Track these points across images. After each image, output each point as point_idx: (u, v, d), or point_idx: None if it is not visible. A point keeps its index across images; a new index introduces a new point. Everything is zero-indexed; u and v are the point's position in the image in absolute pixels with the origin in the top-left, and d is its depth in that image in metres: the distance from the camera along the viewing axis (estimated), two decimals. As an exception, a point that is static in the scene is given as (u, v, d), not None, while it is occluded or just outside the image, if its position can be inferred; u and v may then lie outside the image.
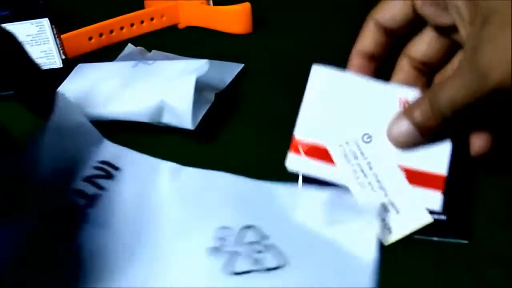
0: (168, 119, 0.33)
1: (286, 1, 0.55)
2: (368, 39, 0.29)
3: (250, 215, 0.27)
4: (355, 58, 0.30)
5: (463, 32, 0.25)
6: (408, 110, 0.26)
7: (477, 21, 0.23)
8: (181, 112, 0.32)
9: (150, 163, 0.31)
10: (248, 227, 0.27)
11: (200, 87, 0.33)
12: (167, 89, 0.33)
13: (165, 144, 0.34)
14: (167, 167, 0.31)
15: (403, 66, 0.30)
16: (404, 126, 0.26)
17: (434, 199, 0.26)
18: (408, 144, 0.26)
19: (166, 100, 0.33)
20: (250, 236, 0.26)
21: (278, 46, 0.45)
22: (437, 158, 0.26)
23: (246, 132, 0.36)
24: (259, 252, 0.25)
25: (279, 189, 0.29)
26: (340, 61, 0.42)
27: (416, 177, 0.26)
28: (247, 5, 0.47)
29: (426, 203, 0.26)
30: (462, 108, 0.23)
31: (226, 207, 0.28)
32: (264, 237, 0.26)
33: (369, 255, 0.25)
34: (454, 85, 0.23)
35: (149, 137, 0.35)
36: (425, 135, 0.26)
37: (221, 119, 0.36)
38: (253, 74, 0.41)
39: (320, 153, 0.26)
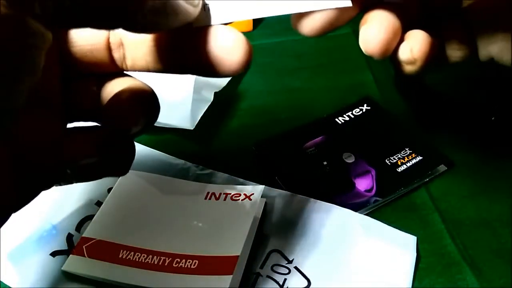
0: (167, 119, 0.33)
1: None
2: None
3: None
4: None
5: None
6: None
7: None
8: (180, 112, 0.32)
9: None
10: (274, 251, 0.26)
11: (199, 87, 0.33)
12: (166, 88, 0.32)
13: (165, 144, 0.34)
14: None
15: None
16: None
17: None
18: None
19: (165, 100, 0.32)
20: (275, 259, 0.26)
21: (277, 45, 0.45)
22: None
23: (245, 131, 0.35)
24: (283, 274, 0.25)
25: (315, 204, 0.28)
26: (341, 57, 0.42)
27: None
28: (246, 3, 0.47)
29: None
30: None
31: None
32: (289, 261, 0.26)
33: (404, 284, 0.24)
34: None
35: (149, 136, 0.34)
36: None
37: (220, 118, 0.36)
38: (252, 73, 0.41)
39: None
